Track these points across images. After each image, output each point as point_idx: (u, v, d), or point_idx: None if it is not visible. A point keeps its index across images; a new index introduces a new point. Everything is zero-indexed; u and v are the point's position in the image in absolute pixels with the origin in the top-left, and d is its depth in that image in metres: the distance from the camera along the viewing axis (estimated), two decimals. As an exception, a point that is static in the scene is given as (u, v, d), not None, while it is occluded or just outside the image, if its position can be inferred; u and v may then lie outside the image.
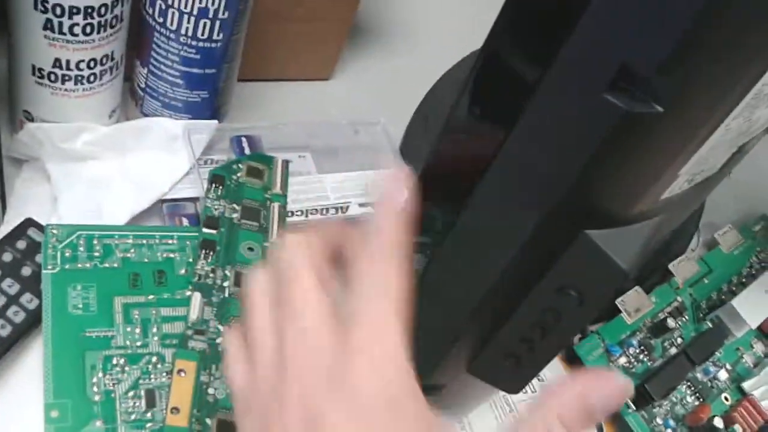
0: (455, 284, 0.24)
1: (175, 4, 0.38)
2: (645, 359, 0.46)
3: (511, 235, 0.21)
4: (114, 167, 0.41)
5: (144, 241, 0.36)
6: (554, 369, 0.45)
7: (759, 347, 0.51)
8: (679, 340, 0.48)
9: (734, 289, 0.53)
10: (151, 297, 0.34)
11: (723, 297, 0.52)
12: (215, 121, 0.44)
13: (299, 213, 0.43)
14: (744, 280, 0.54)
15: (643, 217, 0.22)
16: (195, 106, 0.43)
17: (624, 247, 0.21)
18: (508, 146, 0.19)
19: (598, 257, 0.21)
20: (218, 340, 0.33)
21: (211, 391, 0.32)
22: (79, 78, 0.37)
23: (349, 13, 0.51)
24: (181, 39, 0.39)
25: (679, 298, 0.50)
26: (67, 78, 0.37)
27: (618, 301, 0.47)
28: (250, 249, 0.37)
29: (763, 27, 0.16)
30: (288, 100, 0.52)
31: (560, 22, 0.16)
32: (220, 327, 0.34)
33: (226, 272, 0.36)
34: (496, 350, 0.25)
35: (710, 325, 0.50)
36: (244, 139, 0.45)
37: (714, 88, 0.17)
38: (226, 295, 0.35)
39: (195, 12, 0.38)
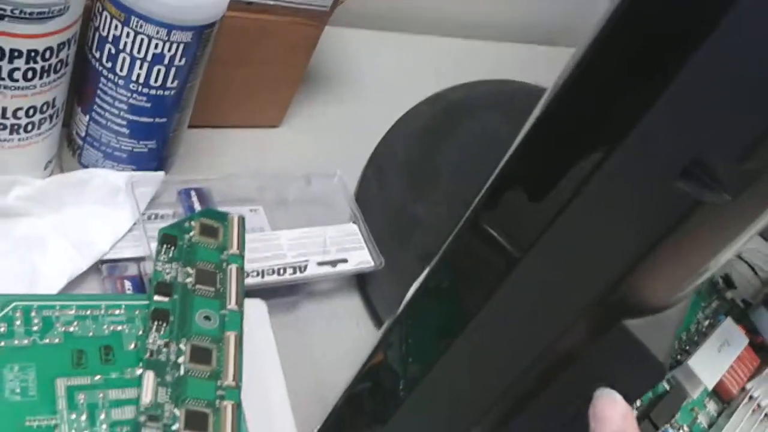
0: (484, 368, 0.21)
1: (127, 49, 0.34)
2: (608, 423, 0.45)
3: (551, 321, 0.19)
4: (49, 225, 0.37)
5: (88, 312, 0.32)
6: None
7: (711, 407, 0.52)
8: (638, 403, 0.47)
9: (685, 347, 0.53)
10: (97, 377, 0.30)
11: (675, 356, 0.52)
12: (162, 173, 0.40)
13: (255, 274, 0.40)
14: (693, 337, 0.55)
15: (675, 303, 0.20)
16: (140, 157, 0.40)
17: (660, 340, 0.20)
18: (559, 230, 0.17)
19: (636, 351, 0.19)
20: (174, 427, 0.30)
21: (168, 485, 0.28)
22: (16, 127, 0.33)
23: (302, 60, 0.49)
24: (131, 86, 0.36)
25: (635, 357, 0.50)
26: (1, 127, 0.33)
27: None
28: (207, 318, 0.34)
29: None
30: (237, 148, 0.49)
31: (635, 106, 0.15)
32: (176, 411, 0.30)
33: (181, 346, 0.32)
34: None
35: (667, 386, 0.49)
36: (193, 192, 0.42)
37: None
38: (182, 373, 0.32)
39: (149, 58, 0.35)
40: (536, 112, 0.17)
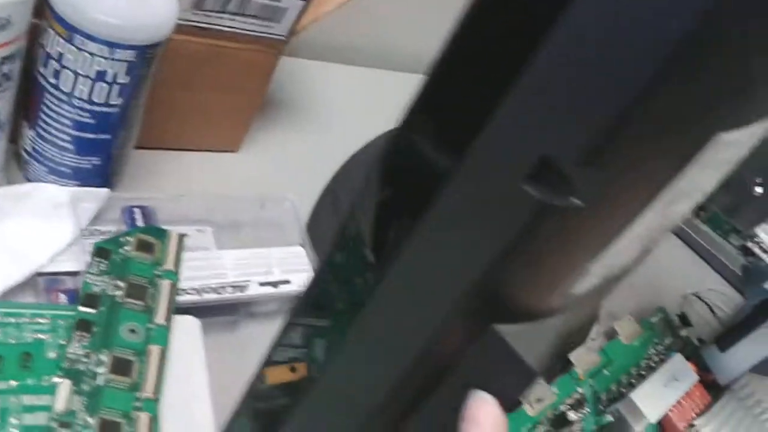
0: (357, 378, 0.22)
1: (71, 66, 0.35)
2: (548, 454, 0.45)
3: (418, 328, 0.19)
4: (-14, 235, 0.37)
5: (12, 320, 0.32)
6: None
7: (657, 442, 0.51)
8: (581, 434, 0.47)
9: (633, 381, 0.53)
10: (12, 383, 0.30)
11: (623, 389, 0.52)
12: (106, 190, 0.41)
13: (192, 291, 0.40)
14: (643, 372, 0.55)
15: (552, 312, 0.21)
16: (85, 173, 0.40)
17: (533, 345, 0.20)
18: (417, 234, 0.18)
19: (506, 354, 0.19)
20: (87, 435, 0.30)
21: (75, 492, 0.28)
22: (-44, 138, 0.34)
23: (260, 87, 0.50)
24: (75, 102, 0.37)
25: (579, 390, 0.50)
26: (-58, 137, 0.34)
27: (521, 393, 0.46)
28: (132, 331, 0.34)
29: (686, 124, 0.15)
30: (191, 172, 0.50)
31: (480, 109, 0.15)
32: (90, 420, 0.30)
33: (102, 357, 0.32)
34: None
35: (611, 418, 0.49)
36: (137, 210, 0.42)
37: (636, 185, 0.16)
38: (100, 382, 0.32)
39: (92, 75, 0.35)
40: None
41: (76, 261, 0.39)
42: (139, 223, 0.41)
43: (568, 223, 0.17)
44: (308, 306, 0.23)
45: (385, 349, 0.20)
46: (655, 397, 0.51)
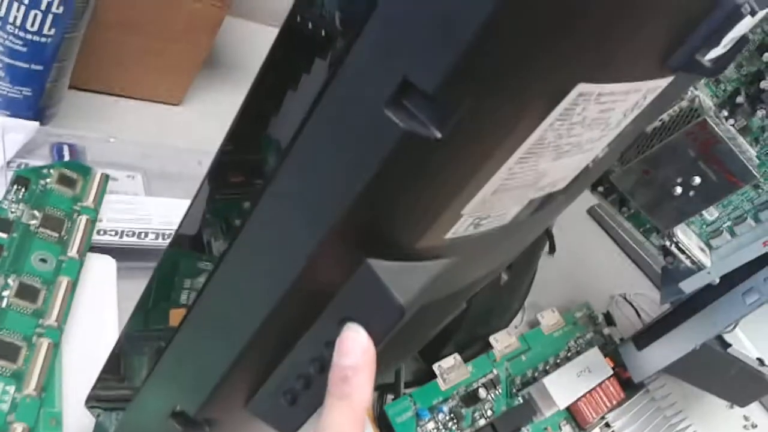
0: (233, 310, 0.22)
1: (5, -11, 0.35)
2: (454, 428, 0.46)
3: (291, 260, 0.20)
4: None
5: None
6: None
7: (567, 430, 0.53)
8: (489, 412, 0.48)
9: (549, 369, 0.54)
10: None
11: (537, 375, 0.53)
12: (36, 123, 0.41)
13: (113, 233, 0.40)
14: (559, 362, 0.56)
15: (431, 255, 0.21)
16: (16, 103, 0.40)
17: (406, 282, 0.20)
18: (288, 159, 0.18)
19: (377, 288, 0.20)
20: (-17, 353, 0.30)
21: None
22: None
23: (206, 39, 0.50)
24: (8, 28, 0.36)
25: (495, 371, 0.51)
26: None
27: (435, 366, 0.47)
28: (43, 260, 0.34)
29: (544, 64, 0.16)
30: (128, 118, 0.50)
31: (347, 29, 0.16)
32: (-11, 338, 0.30)
33: (9, 281, 0.32)
34: (274, 385, 0.24)
35: (521, 401, 0.50)
36: (66, 147, 0.42)
37: (494, 120, 0.17)
38: (3, 305, 0.32)
39: (26, 1, 0.35)
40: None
41: (-2, 190, 0.39)
42: (67, 159, 0.41)
43: (431, 156, 0.17)
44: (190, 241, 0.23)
45: (260, 277, 0.21)
46: (567, 384, 0.52)
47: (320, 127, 0.17)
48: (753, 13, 0.18)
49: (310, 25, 0.18)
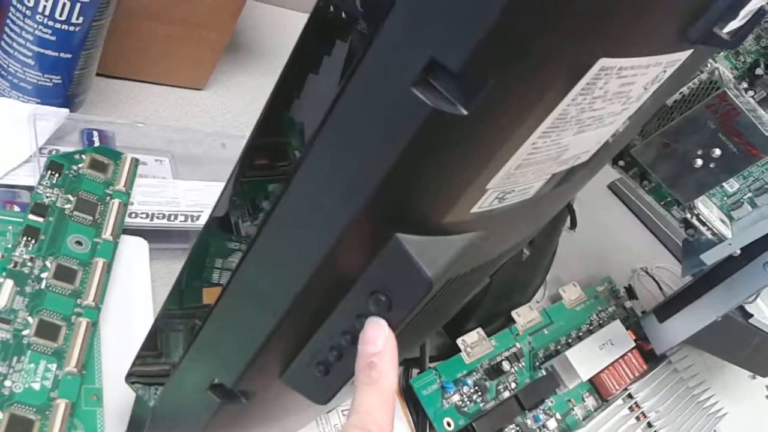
0: (269, 283, 0.23)
1: (34, -20, 0.36)
2: (478, 400, 0.47)
3: (323, 234, 0.21)
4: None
5: (-42, 220, 0.33)
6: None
7: (590, 401, 0.53)
8: (513, 385, 0.49)
9: (571, 342, 0.55)
10: (-46, 278, 0.31)
11: (559, 349, 0.54)
12: (66, 110, 0.42)
13: (144, 215, 0.41)
14: (581, 335, 0.57)
15: (457, 229, 0.22)
16: (46, 91, 0.41)
17: (433, 256, 0.21)
18: (320, 138, 0.19)
19: (405, 262, 0.21)
20: (25, 332, 0.31)
21: (8, 383, 0.29)
22: None
23: (228, 24, 0.50)
24: (38, 18, 0.37)
25: (518, 345, 0.52)
26: None
27: (459, 341, 0.48)
28: (78, 243, 0.35)
29: (567, 39, 0.16)
30: (154, 104, 0.51)
31: (374, 12, 0.17)
32: (30, 319, 0.31)
33: (47, 263, 0.34)
34: (307, 357, 0.25)
35: (544, 373, 0.51)
36: (95, 133, 0.43)
37: (518, 96, 0.17)
38: (42, 286, 0.33)
39: (54, -9, 0.36)
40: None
41: (32, 176, 0.40)
42: (97, 145, 0.42)
43: (457, 132, 0.18)
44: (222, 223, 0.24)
45: (295, 251, 0.22)
46: (589, 357, 0.53)
47: (351, 107, 0.18)
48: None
49: (338, 9, 0.19)
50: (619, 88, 0.20)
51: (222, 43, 0.51)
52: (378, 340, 0.22)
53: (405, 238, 0.21)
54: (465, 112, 0.17)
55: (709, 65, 0.43)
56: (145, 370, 0.29)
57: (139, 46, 0.48)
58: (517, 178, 0.21)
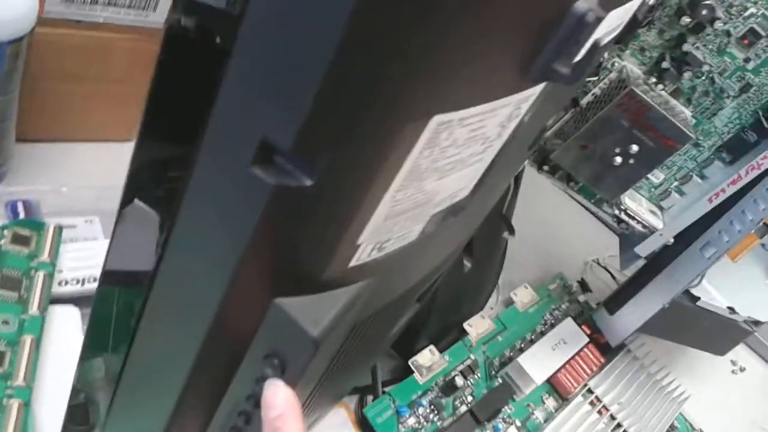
0: (163, 360, 0.23)
1: (-69, 64, 0.36)
2: (435, 419, 0.47)
3: (204, 310, 0.21)
4: None
5: None
6: (345, 431, 0.45)
7: (550, 403, 0.54)
8: (470, 398, 0.50)
9: (524, 347, 0.56)
10: None
11: (513, 355, 0.54)
12: (-15, 185, 0.42)
13: (75, 282, 0.41)
14: (533, 338, 0.57)
15: (341, 283, 0.22)
16: (-37, 169, 0.41)
17: (317, 315, 0.22)
18: (180, 221, 0.19)
19: (288, 325, 0.21)
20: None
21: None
22: None
23: (145, 77, 0.50)
24: (-59, 100, 0.37)
25: (472, 356, 0.52)
26: None
27: (410, 362, 0.49)
28: (5, 322, 0.35)
29: (390, 103, 0.17)
30: (83, 162, 0.51)
31: (202, 99, 0.17)
32: (-43, 408, 0.31)
33: (-28, 347, 0.34)
34: (219, 423, 0.25)
35: (501, 381, 0.52)
36: (20, 204, 0.43)
37: (360, 160, 0.18)
38: (-31, 372, 0.33)
39: (-47, 73, 0.36)
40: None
41: (-45, 256, 0.40)
42: (22, 216, 0.42)
43: (310, 201, 0.18)
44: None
45: (180, 328, 0.22)
46: (543, 359, 0.53)
47: (202, 188, 0.19)
48: (598, 21, 0.19)
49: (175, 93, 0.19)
50: (469, 134, 0.20)
51: (141, 93, 0.51)
52: (277, 403, 0.22)
53: (284, 302, 0.21)
54: (308, 183, 0.18)
55: (617, 64, 0.44)
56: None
57: (59, 108, 0.48)
58: (390, 228, 0.22)
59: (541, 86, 0.22)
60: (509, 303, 0.60)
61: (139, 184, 0.21)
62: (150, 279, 0.21)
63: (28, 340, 0.35)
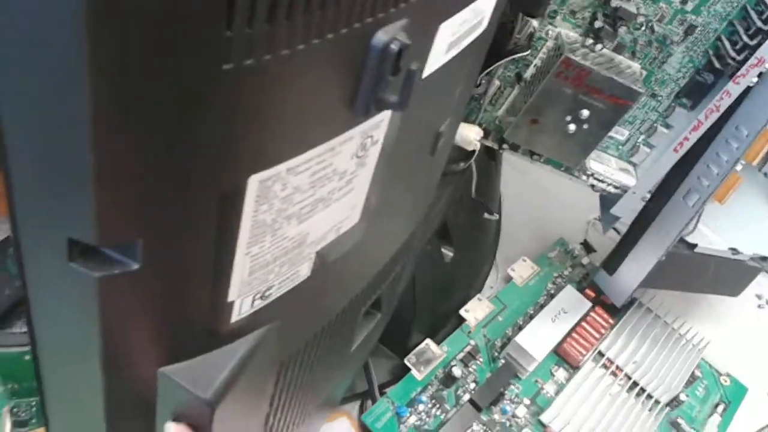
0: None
1: None
2: (437, 412, 0.47)
3: (94, 394, 0.21)
4: None
5: None
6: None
7: (561, 374, 0.53)
8: (473, 385, 0.49)
9: (523, 323, 0.55)
10: None
11: (514, 333, 0.54)
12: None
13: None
14: (533, 312, 0.56)
15: (234, 337, 0.22)
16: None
17: (209, 375, 0.22)
18: (34, 327, 0.20)
19: (180, 391, 0.21)
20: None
21: None
22: None
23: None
24: None
25: (472, 342, 0.52)
26: None
27: (406, 359, 0.49)
28: None
29: (187, 182, 0.17)
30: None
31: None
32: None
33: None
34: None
35: (503, 362, 0.51)
36: None
37: (185, 238, 0.18)
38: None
39: None
40: None
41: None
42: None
43: (146, 278, 0.18)
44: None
45: (81, 408, 0.22)
46: (542, 334, 0.53)
47: (37, 291, 0.19)
48: (404, 48, 0.18)
49: None
50: (312, 177, 0.20)
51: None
52: None
53: (170, 370, 0.21)
54: (136, 266, 0.18)
55: (551, 32, 0.42)
56: None
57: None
58: (264, 278, 0.22)
59: (388, 112, 0.21)
60: (509, 280, 0.59)
61: None
62: (37, 371, 0.22)
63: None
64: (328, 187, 0.21)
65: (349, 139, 0.20)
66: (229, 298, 0.21)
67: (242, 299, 0.22)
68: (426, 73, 0.22)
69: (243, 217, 0.19)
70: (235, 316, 0.22)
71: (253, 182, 0.18)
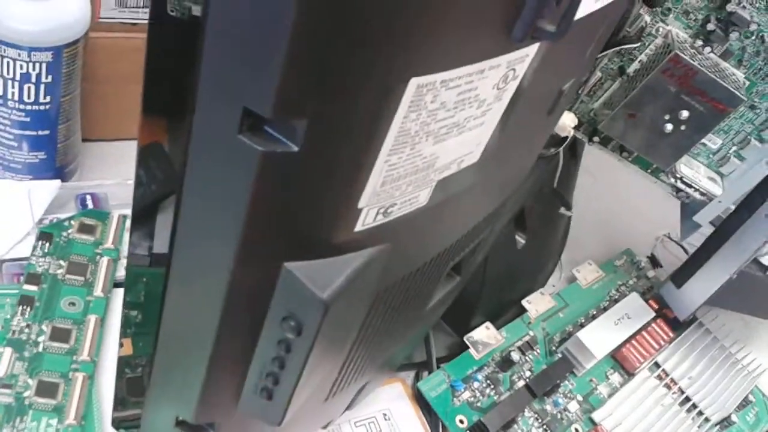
0: (191, 329, 0.25)
1: (-1, 71, 0.39)
2: (491, 393, 0.47)
3: (218, 280, 0.22)
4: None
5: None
6: (401, 404, 0.46)
7: (615, 378, 0.53)
8: (528, 373, 0.50)
9: (584, 322, 0.55)
10: (-42, 353, 0.34)
11: (574, 331, 0.54)
12: (58, 181, 0.45)
13: (139, 266, 0.44)
14: (595, 313, 0.56)
15: (351, 248, 0.23)
16: (36, 167, 0.44)
17: (327, 278, 0.23)
18: (183, 197, 0.21)
19: (299, 288, 0.22)
20: (26, 394, 0.34)
21: (13, 445, 0.32)
22: None
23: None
24: (9, 104, 0.41)
25: (531, 333, 0.52)
26: None
27: (466, 338, 0.49)
28: (72, 304, 0.38)
29: (362, 65, 0.18)
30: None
31: (189, 76, 0.18)
32: (30, 381, 0.34)
33: (43, 327, 0.36)
34: (251, 385, 0.27)
35: (560, 356, 0.51)
36: (88, 197, 0.46)
37: (344, 123, 0.19)
38: (40, 349, 0.36)
39: (17, 77, 0.39)
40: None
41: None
42: (91, 207, 0.45)
43: (300, 166, 0.19)
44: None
45: (200, 295, 0.23)
46: (604, 334, 0.52)
47: (199, 160, 0.20)
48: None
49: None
50: (458, 97, 0.21)
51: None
52: None
53: (294, 266, 0.22)
54: (296, 149, 0.19)
55: (662, 29, 0.43)
56: (124, 414, 0.31)
57: (121, 108, 0.51)
58: (391, 192, 0.22)
59: (534, 47, 0.22)
60: (572, 281, 0.59)
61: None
62: (168, 258, 0.23)
63: (92, 319, 0.38)
64: (467, 112, 0.22)
65: (497, 65, 0.21)
66: (360, 204, 0.22)
67: (368, 209, 0.22)
68: (576, 16, 0.22)
69: (394, 119, 0.19)
70: (359, 226, 0.23)
71: (413, 85, 0.19)
